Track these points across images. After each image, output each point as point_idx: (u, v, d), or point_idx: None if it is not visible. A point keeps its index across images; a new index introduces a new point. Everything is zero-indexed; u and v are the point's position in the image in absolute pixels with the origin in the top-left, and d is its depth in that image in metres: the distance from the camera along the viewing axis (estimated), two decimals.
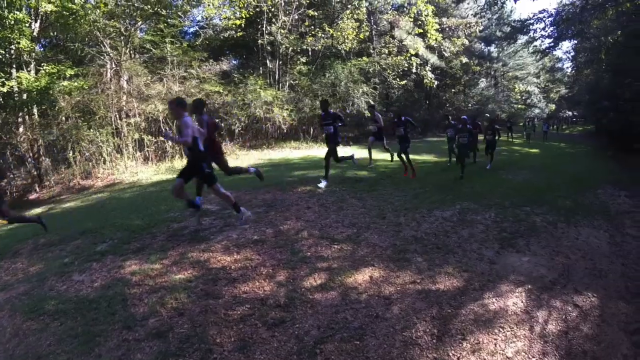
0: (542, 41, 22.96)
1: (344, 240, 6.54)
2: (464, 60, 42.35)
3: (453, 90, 45.82)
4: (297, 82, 27.45)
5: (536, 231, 7.16)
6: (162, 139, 19.15)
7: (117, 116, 18.68)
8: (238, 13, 23.91)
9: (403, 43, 32.89)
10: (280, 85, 27.02)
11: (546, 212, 8.35)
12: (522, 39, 54.30)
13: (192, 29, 26.67)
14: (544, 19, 21.00)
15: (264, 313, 4.30)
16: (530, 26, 21.81)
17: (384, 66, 31.85)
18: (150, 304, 4.46)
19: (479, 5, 41.41)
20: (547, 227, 7.39)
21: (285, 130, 25.34)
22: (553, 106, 67.11)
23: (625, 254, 6.32)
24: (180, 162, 18.10)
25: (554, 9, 20.63)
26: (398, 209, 8.42)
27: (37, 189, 17.00)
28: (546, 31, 21.98)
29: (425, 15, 32.86)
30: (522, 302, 4.75)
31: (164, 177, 15.13)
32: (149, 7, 19.57)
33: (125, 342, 3.84)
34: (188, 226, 7.28)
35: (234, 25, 24.42)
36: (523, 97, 58.76)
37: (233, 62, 29.39)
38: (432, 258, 5.89)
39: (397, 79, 32.51)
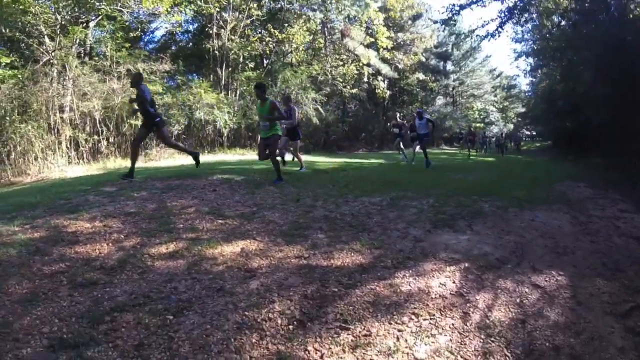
0: (485, 25, 21.98)
1: (234, 217, 5.50)
2: (421, 77, 42.48)
3: (410, 107, 45.43)
4: (245, 89, 26.54)
5: (482, 214, 6.00)
6: (97, 137, 18.52)
7: (55, 112, 17.75)
8: (186, 12, 23.75)
9: (355, 53, 32.60)
10: (229, 92, 26.31)
11: (496, 200, 7.11)
12: (479, 57, 55.52)
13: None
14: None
15: (79, 272, 3.71)
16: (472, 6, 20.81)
17: (335, 75, 31.42)
18: None
19: (434, 22, 41.56)
20: (496, 211, 6.23)
21: (229, 135, 24.41)
22: (511, 125, 68.10)
23: (594, 232, 5.37)
24: (115, 163, 17.43)
25: None
26: (319, 195, 7.18)
27: None
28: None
29: (377, 24, 32.92)
30: (454, 282, 3.60)
31: (90, 173, 14.09)
32: None
33: None
34: (72, 201, 6.57)
35: (178, 22, 24.41)
36: (481, 116, 59.36)
37: (182, 68, 28.55)
38: (339, 235, 4.78)
39: (348, 87, 32.14)
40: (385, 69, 35.53)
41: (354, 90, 32.86)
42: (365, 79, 34.02)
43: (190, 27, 29.26)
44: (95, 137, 18.53)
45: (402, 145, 17.69)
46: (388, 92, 36.30)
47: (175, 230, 4.90)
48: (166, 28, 27.16)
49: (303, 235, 4.72)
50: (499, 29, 20.85)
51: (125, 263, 3.93)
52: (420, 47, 41.09)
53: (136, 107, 8.48)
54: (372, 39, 33.76)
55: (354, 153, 28.02)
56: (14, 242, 4.44)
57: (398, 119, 19.24)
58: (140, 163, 16.95)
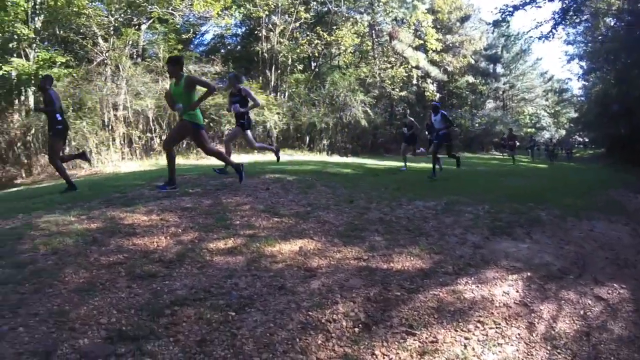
0: (539, 26, 21.40)
1: (290, 215, 5.45)
2: (470, 79, 41.73)
3: (459, 111, 44.54)
4: (294, 90, 26.98)
5: (540, 222, 5.77)
6: (149, 135, 19.43)
7: (109, 110, 18.72)
8: (235, 16, 24.64)
9: (403, 55, 32.33)
10: (278, 94, 26.67)
11: (551, 207, 6.83)
12: (529, 60, 54.10)
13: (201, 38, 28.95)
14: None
15: (137, 264, 3.72)
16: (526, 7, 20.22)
17: (383, 77, 31.26)
18: (35, 243, 4.17)
19: (486, 23, 40.71)
20: (553, 220, 5.98)
21: (278, 136, 24.60)
22: (563, 131, 66.12)
23: None
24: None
25: None
26: (373, 197, 7.03)
27: (24, 175, 17.43)
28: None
29: (426, 26, 32.66)
30: (517, 292, 3.50)
31: (143, 169, 14.74)
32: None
33: None
34: (127, 194, 6.74)
35: (228, 25, 25.55)
36: (532, 121, 57.83)
37: (232, 70, 29.06)
38: (396, 238, 4.67)
39: (397, 90, 32.00)
40: (434, 71, 35.14)
41: (403, 93, 32.64)
42: (414, 82, 33.69)
43: (239, 31, 30.08)
44: (149, 134, 19.28)
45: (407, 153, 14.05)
46: (437, 95, 35.75)
47: (232, 226, 4.89)
48: (215, 31, 28.12)
49: (360, 237, 4.64)
50: (553, 30, 20.36)
51: (184, 257, 3.92)
52: (469, 50, 40.42)
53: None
54: (421, 41, 33.42)
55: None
56: (71, 231, 4.51)
57: (408, 117, 16.05)
58: (192, 160, 17.44)
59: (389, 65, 32.01)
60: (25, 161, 18.01)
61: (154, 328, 2.72)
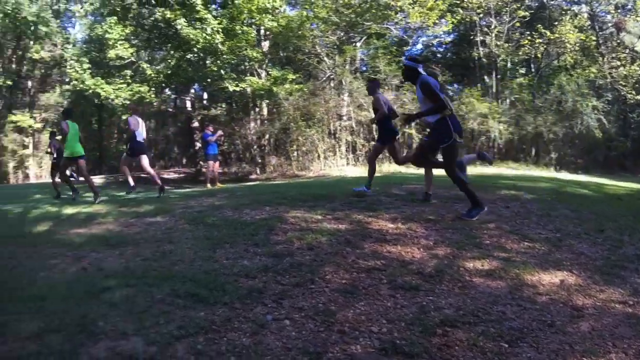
0: None
1: (540, 240, 5.09)
2: None
3: None
4: (517, 97, 25.30)
5: None
6: (372, 143, 20.36)
7: (334, 120, 21.13)
8: (445, 22, 24.11)
9: (634, 49, 26.90)
10: (500, 101, 25.29)
11: None
12: None
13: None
14: None
15: (397, 273, 3.79)
16: None
17: (616, 78, 26.39)
18: (289, 236, 4.66)
19: None
20: None
21: (502, 148, 23.61)
22: None
23: None
24: (389, 167, 18.21)
25: None
26: (623, 227, 6.17)
27: (258, 172, 21.64)
28: None
29: None
30: None
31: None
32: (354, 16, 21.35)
33: (245, 251, 4.21)
34: (366, 199, 7.01)
35: (443, 34, 26.20)
36: None
37: (449, 78, 28.44)
38: None
39: (633, 92, 26.16)
40: None
41: None
42: None
43: (447, 39, 29.87)
44: (372, 142, 20.25)
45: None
46: None
47: (483, 245, 4.73)
48: (424, 41, 28.88)
49: (620, 276, 4.12)
50: None
51: (443, 273, 3.82)
52: None
53: None
54: None
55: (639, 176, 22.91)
56: (322, 229, 4.89)
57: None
58: (412, 169, 17.71)
59: (619, 63, 26.92)
60: (260, 161, 22.66)
61: (427, 347, 2.61)
